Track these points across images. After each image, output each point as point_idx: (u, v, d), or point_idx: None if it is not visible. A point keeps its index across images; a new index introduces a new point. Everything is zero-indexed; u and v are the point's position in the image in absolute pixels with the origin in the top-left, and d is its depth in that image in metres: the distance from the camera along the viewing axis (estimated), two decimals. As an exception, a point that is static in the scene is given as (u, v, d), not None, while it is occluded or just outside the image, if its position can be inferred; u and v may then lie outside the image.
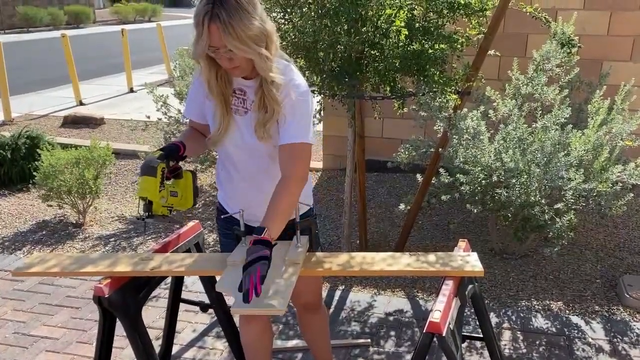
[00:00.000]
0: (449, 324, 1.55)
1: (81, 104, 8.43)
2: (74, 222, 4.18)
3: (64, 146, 4.73)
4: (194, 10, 1.60)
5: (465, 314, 2.39)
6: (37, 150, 4.36)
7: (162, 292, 3.12)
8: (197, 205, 4.49)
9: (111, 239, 3.92)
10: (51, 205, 4.15)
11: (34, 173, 4.07)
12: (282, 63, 1.74)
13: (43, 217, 4.32)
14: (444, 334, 1.48)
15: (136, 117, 7.11)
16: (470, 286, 1.83)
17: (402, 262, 1.79)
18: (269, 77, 1.66)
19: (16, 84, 8.87)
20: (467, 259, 1.80)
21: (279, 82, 1.68)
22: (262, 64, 1.63)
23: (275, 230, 1.62)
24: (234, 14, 1.53)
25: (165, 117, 4.63)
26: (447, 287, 1.66)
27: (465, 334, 2.06)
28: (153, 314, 2.96)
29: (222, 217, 1.96)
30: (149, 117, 4.80)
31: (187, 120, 2.04)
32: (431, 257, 1.82)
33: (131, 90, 9.50)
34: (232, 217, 1.92)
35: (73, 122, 7.06)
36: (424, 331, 1.51)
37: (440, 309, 1.53)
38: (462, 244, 1.93)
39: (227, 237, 1.98)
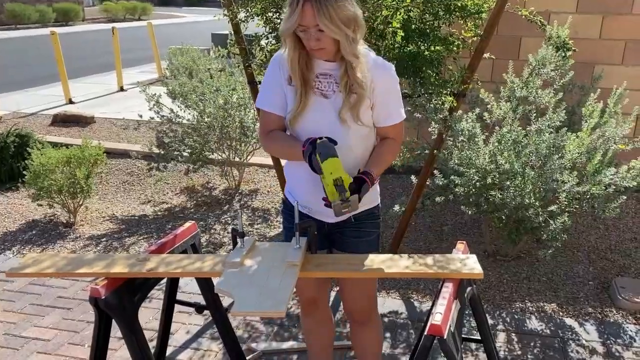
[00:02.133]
0: (450, 326, 1.54)
1: (71, 102, 8.34)
2: (65, 221, 4.14)
3: (54, 145, 4.68)
4: None
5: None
6: (27, 149, 4.31)
7: (156, 293, 3.09)
8: (189, 206, 4.46)
9: (102, 239, 3.88)
10: (41, 205, 4.10)
11: (24, 172, 4.02)
12: (363, 49, 1.78)
13: (33, 216, 4.27)
14: (445, 337, 1.48)
15: (127, 116, 7.06)
16: (469, 288, 1.83)
17: (401, 265, 1.78)
18: (352, 60, 1.71)
19: (4, 82, 8.77)
20: (466, 262, 1.80)
21: (363, 65, 1.74)
22: (348, 46, 1.68)
23: (376, 174, 1.79)
24: None
25: (158, 116, 4.59)
26: (447, 290, 1.65)
27: (462, 336, 2.06)
28: (147, 315, 2.93)
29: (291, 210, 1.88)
30: (141, 117, 4.76)
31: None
32: (430, 259, 1.81)
33: (121, 89, 9.42)
34: (300, 212, 1.88)
35: (63, 121, 6.99)
36: (425, 334, 1.50)
37: (441, 311, 1.53)
38: (461, 246, 1.93)
39: (289, 230, 1.98)
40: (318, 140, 1.69)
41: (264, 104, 1.87)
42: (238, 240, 1.86)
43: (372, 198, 1.94)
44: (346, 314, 2.15)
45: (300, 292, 2.13)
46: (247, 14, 3.07)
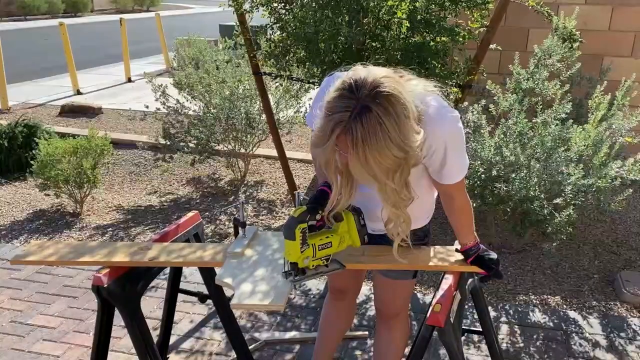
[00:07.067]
0: (450, 317, 1.54)
1: (79, 93, 8.38)
2: (71, 211, 4.17)
3: (62, 135, 4.71)
4: (328, 97, 1.36)
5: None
6: (35, 139, 4.34)
7: (160, 282, 3.11)
8: (195, 197, 4.48)
9: (108, 229, 3.90)
10: (48, 195, 4.13)
11: (31, 162, 4.04)
12: (426, 104, 1.45)
13: (40, 206, 4.30)
14: (444, 327, 1.48)
15: (134, 106, 7.07)
16: (470, 280, 1.83)
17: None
18: (390, 210, 1.47)
19: (13, 73, 8.81)
20: (468, 253, 1.79)
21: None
22: (385, 196, 1.43)
23: (470, 239, 1.72)
24: (371, 137, 1.28)
25: (164, 107, 4.60)
26: (447, 281, 1.65)
27: (464, 327, 2.06)
28: (151, 304, 2.96)
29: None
30: (147, 107, 4.77)
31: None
32: (431, 251, 1.81)
33: (129, 80, 9.45)
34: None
35: (70, 111, 7.02)
36: (425, 323, 1.51)
37: (441, 302, 1.53)
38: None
39: None
40: (299, 210, 1.52)
41: (307, 121, 1.77)
42: (239, 230, 1.86)
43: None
44: (375, 308, 2.08)
45: (330, 279, 2.14)
46: (252, 4, 3.07)
